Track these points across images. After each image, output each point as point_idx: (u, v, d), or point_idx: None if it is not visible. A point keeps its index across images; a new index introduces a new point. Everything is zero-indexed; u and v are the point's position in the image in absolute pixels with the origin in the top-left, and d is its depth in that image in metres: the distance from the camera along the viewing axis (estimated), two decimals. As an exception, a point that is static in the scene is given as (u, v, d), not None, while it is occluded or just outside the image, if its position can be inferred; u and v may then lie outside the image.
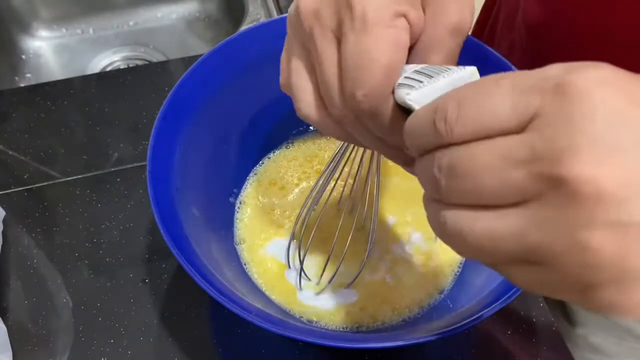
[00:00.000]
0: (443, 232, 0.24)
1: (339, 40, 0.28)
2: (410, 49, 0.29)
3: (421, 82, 0.26)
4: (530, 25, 0.51)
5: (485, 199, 0.21)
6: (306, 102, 0.31)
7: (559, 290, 0.21)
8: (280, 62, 0.33)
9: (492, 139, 0.21)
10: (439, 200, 0.23)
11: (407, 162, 0.31)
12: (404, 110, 0.28)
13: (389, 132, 0.29)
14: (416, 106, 0.26)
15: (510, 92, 0.21)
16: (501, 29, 0.57)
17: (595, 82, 0.19)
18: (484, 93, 0.21)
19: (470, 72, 0.26)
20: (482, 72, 0.30)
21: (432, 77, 0.26)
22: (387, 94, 0.28)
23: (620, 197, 0.18)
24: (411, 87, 0.27)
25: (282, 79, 0.33)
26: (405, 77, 0.28)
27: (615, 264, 0.19)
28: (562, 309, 0.57)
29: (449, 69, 0.27)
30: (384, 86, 0.28)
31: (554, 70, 0.21)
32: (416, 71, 0.27)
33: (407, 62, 0.29)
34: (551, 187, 0.19)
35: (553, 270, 0.20)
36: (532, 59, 0.51)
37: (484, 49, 0.43)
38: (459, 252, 0.24)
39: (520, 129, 0.20)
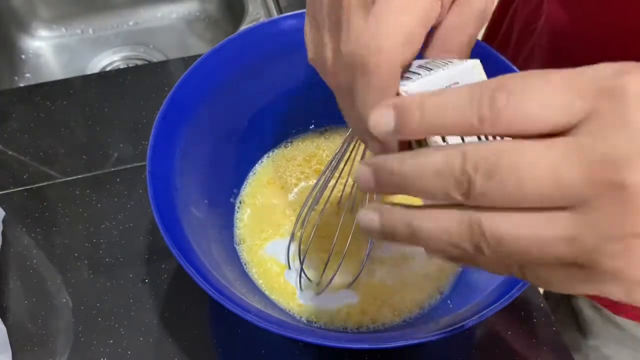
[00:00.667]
0: (471, 239, 0.21)
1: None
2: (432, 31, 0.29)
3: (419, 74, 0.26)
4: (553, 31, 0.50)
5: (531, 202, 0.20)
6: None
7: (594, 289, 0.21)
8: (305, 36, 0.32)
9: (542, 137, 0.20)
10: (460, 203, 0.21)
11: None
12: None
13: (374, 103, 0.27)
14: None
15: (561, 89, 0.20)
16: (519, 34, 0.56)
17: None
18: (534, 86, 0.20)
19: (472, 64, 0.26)
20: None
21: (431, 69, 0.26)
22: (393, 60, 0.26)
23: None
24: (409, 79, 0.26)
25: (312, 53, 0.32)
26: (408, 71, 0.27)
27: None
28: (575, 320, 0.57)
29: (450, 61, 0.26)
30: (397, 51, 0.26)
31: (606, 71, 0.20)
32: (419, 66, 0.27)
33: (426, 47, 0.29)
34: (608, 192, 0.19)
35: (598, 272, 0.20)
36: (554, 65, 0.50)
37: (495, 56, 0.42)
38: (485, 265, 0.23)
39: (567, 129, 0.20)
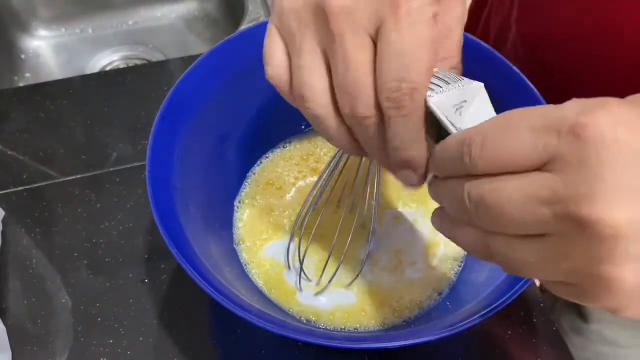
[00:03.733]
0: (483, 253, 0.27)
1: (374, 41, 0.28)
2: None
3: (440, 87, 0.28)
4: (525, 42, 0.51)
5: (512, 229, 0.24)
6: (321, 103, 0.30)
7: (590, 304, 0.24)
8: (270, 52, 0.31)
9: (515, 175, 0.23)
10: (470, 223, 0.26)
11: (410, 180, 0.32)
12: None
13: (413, 139, 0.29)
14: (436, 110, 0.28)
15: (530, 132, 0.23)
16: (495, 40, 0.57)
17: (608, 125, 0.21)
18: (505, 132, 0.24)
19: (478, 87, 0.28)
20: (480, 71, 0.32)
21: (448, 83, 0.28)
22: (425, 94, 0.28)
23: (637, 235, 0.21)
24: (431, 90, 0.28)
25: (281, 74, 0.31)
26: None
27: (636, 290, 0.22)
28: (576, 307, 0.58)
29: (461, 79, 0.29)
30: (426, 86, 0.28)
31: (570, 112, 0.22)
32: (434, 76, 0.29)
33: None
34: (573, 226, 0.21)
35: (584, 291, 0.23)
36: (532, 66, 0.51)
37: (485, 49, 0.43)
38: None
39: (539, 167, 0.23)
